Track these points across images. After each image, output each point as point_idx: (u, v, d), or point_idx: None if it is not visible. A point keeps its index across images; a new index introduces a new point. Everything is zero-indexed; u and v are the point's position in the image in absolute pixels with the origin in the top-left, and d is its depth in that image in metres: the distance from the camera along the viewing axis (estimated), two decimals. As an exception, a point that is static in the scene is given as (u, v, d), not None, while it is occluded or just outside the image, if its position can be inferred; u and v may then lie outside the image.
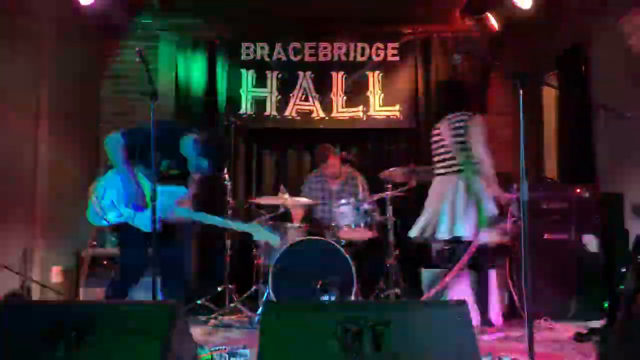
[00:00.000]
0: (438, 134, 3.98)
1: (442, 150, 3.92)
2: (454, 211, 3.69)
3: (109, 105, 5.56)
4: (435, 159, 3.98)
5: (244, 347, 3.04)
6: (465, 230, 3.67)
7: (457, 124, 3.86)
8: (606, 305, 3.48)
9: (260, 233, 3.44)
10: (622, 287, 3.47)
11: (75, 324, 1.90)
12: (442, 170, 3.91)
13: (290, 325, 1.86)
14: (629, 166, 4.29)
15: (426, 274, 4.22)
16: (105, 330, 1.92)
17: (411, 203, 4.62)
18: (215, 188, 5.15)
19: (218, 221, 3.35)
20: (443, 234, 3.72)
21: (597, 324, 3.51)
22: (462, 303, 1.93)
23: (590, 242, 4.21)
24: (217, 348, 2.96)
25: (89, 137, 5.32)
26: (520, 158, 2.72)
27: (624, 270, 3.60)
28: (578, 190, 4.30)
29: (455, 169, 3.82)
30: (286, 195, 4.42)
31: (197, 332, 3.67)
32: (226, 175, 4.57)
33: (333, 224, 4.32)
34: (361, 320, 1.84)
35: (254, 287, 4.52)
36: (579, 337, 3.44)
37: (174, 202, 3.23)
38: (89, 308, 2.04)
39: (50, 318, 1.96)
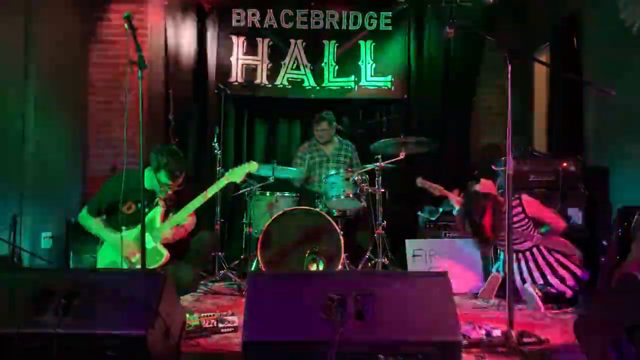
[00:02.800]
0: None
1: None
2: None
3: (98, 72, 5.48)
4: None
5: (232, 314, 3.10)
6: None
7: None
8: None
9: (234, 174, 3.48)
10: (602, 259, 3.58)
11: (64, 291, 1.94)
12: None
13: (275, 294, 1.90)
14: (616, 141, 4.33)
15: (409, 245, 4.28)
16: (94, 297, 1.96)
17: (401, 174, 4.66)
18: (205, 157, 5.18)
19: (198, 202, 3.39)
20: None
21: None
22: (444, 274, 1.98)
23: (575, 215, 4.28)
24: (205, 314, 3.02)
25: (77, 104, 5.27)
26: (507, 131, 2.75)
27: (605, 243, 3.70)
28: (565, 164, 4.35)
29: None
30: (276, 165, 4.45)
31: (186, 298, 3.73)
32: (216, 144, 4.57)
33: (323, 194, 4.36)
34: (345, 289, 1.89)
35: (242, 255, 4.58)
36: (557, 307, 3.54)
37: (159, 224, 3.35)
38: (78, 275, 2.07)
39: (40, 284, 1.99)
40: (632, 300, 1.99)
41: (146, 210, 3.15)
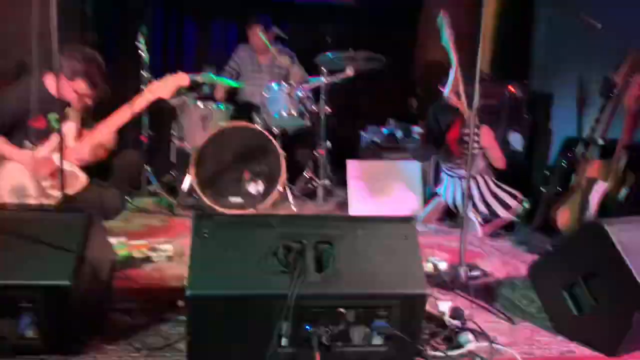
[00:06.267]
0: None
1: None
2: None
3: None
4: None
5: (166, 241, 2.87)
6: None
7: None
8: (526, 204, 3.59)
9: (161, 89, 3.02)
10: (543, 189, 3.60)
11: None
12: None
13: (226, 242, 1.67)
14: (561, 68, 4.27)
15: (351, 166, 4.13)
16: (5, 243, 1.65)
17: (347, 92, 4.40)
18: (129, 61, 4.62)
19: (121, 119, 2.94)
20: None
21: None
22: (410, 220, 1.83)
23: (516, 141, 4.26)
24: (136, 243, 2.77)
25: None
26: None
27: (548, 173, 3.72)
28: (511, 88, 4.26)
29: None
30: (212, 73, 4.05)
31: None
32: (142, 44, 4.06)
33: (262, 109, 4.04)
34: (304, 237, 1.69)
35: (173, 172, 4.25)
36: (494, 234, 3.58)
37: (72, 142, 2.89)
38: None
39: None
40: (592, 247, 1.94)
41: (58, 126, 2.68)
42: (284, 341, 1.61)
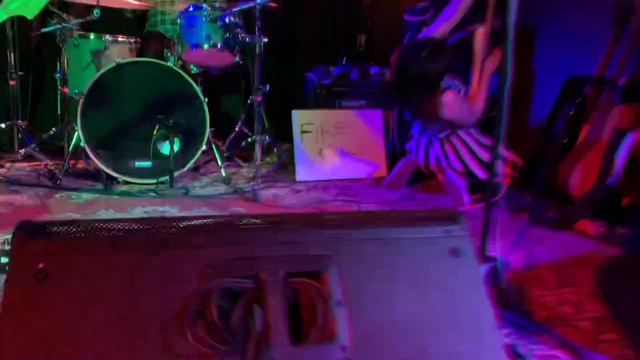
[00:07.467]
0: None
1: None
2: None
3: None
4: None
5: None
6: None
7: None
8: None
9: (23, 4, 2.04)
10: (542, 141, 2.89)
11: None
12: None
13: (89, 288, 0.75)
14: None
15: (297, 116, 3.23)
16: None
17: (289, 17, 3.44)
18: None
19: None
20: None
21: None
22: (459, 218, 0.98)
23: (493, 82, 3.53)
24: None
25: None
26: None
27: (547, 122, 2.99)
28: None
29: None
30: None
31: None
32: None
33: (177, 41, 3.01)
34: (261, 265, 0.81)
35: (55, 127, 3.16)
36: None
37: None
38: None
39: None
40: None
41: None
42: None
